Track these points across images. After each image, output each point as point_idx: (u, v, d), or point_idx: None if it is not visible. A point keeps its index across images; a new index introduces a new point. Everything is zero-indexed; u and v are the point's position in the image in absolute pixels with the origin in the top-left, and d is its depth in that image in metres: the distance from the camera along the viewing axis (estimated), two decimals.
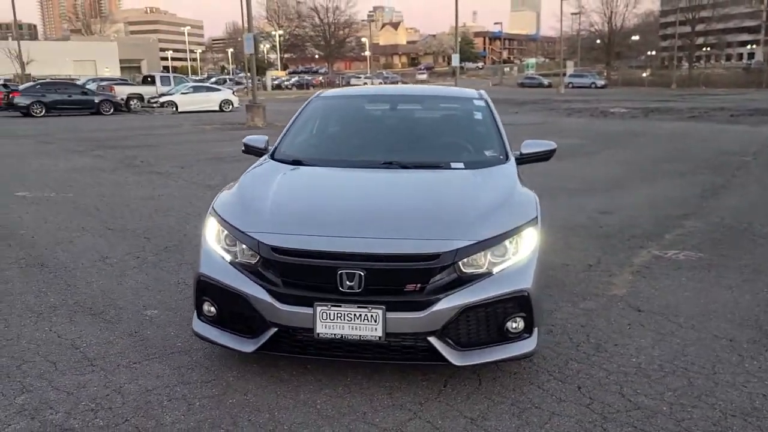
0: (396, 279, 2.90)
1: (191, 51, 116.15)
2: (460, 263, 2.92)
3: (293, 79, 70.84)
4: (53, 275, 4.93)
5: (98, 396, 3.05)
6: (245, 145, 4.47)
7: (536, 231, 3.20)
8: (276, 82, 68.56)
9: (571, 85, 57.75)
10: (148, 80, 34.12)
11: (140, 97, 30.52)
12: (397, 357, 2.98)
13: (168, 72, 59.06)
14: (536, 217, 3.28)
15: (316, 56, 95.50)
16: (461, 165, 3.85)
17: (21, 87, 26.77)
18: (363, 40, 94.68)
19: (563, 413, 2.90)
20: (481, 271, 2.96)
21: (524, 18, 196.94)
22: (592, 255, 5.44)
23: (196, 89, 30.83)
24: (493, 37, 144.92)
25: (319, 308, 2.86)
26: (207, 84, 37.14)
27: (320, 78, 73.07)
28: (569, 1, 79.91)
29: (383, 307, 2.83)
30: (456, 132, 4.47)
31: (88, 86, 30.33)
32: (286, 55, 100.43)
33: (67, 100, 26.05)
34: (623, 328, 3.88)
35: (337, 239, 2.98)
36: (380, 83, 66.67)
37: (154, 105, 29.75)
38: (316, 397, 3.04)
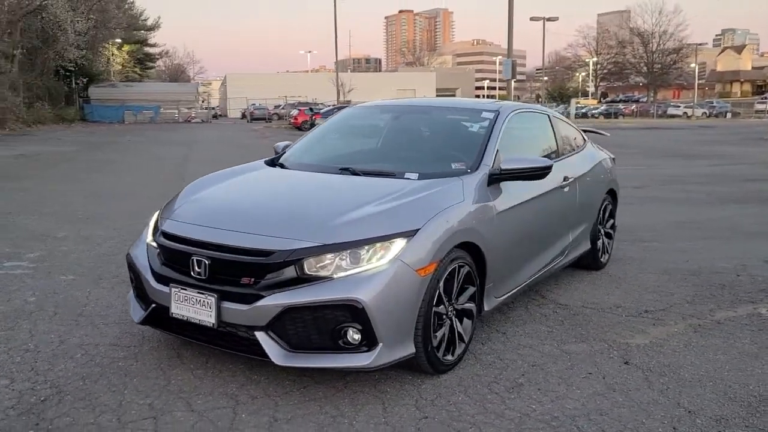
0: (234, 270, 3.00)
1: (518, 80, 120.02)
2: (304, 264, 2.88)
3: (601, 108, 68.42)
4: None
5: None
6: (274, 149, 4.83)
7: (409, 243, 2.97)
8: (583, 111, 67.11)
9: None
10: None
11: None
12: (233, 346, 3.07)
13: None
14: (416, 230, 3.02)
15: (641, 84, 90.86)
16: (415, 175, 3.69)
17: (323, 110, 31.07)
18: (692, 65, 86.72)
19: None
20: (322, 274, 2.89)
21: None
22: None
23: None
24: None
25: (173, 290, 3.10)
26: None
27: (633, 107, 69.11)
28: None
29: (216, 295, 2.94)
30: (438, 143, 4.33)
31: None
32: (602, 83, 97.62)
33: None
34: None
35: (199, 228, 3.20)
36: (703, 113, 60.57)
37: None
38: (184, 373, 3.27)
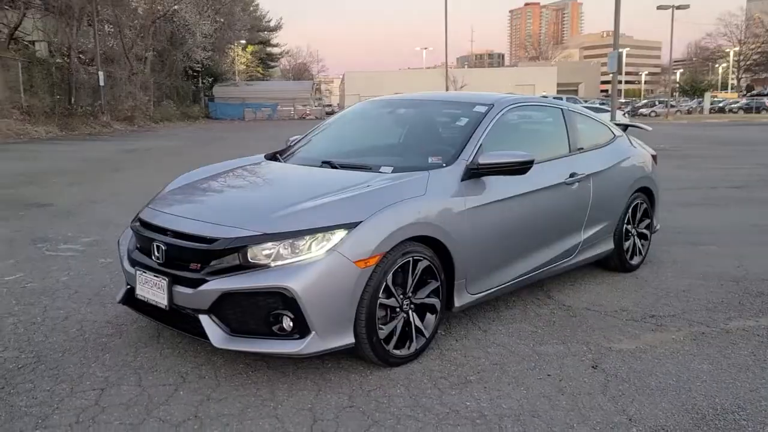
0: (184, 256, 3.22)
1: (651, 73, 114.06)
2: (247, 251, 3.05)
3: (741, 102, 63.45)
4: None
5: None
6: (286, 142, 5.06)
7: (349, 234, 3.07)
8: (720, 105, 62.69)
9: None
10: None
11: None
12: (184, 327, 3.27)
13: (606, 95, 59.59)
14: (358, 222, 3.11)
15: None
16: (390, 169, 3.77)
17: None
18: None
19: None
20: (262, 262, 3.04)
21: None
22: None
23: None
24: None
25: (137, 272, 3.40)
26: (596, 105, 36.65)
27: None
28: None
29: (168, 279, 3.19)
30: (425, 137, 4.36)
31: None
32: (745, 75, 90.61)
33: None
34: None
35: (164, 215, 3.49)
36: None
37: None
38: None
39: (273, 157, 4.53)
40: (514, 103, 4.40)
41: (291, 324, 3.00)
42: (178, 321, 3.25)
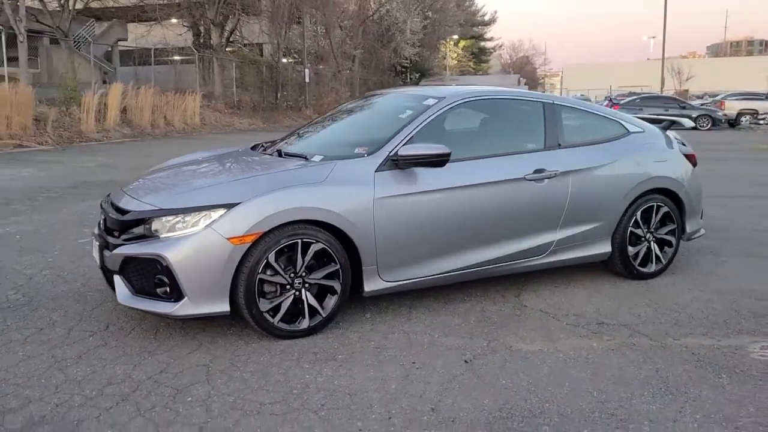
0: (112, 225, 3.85)
1: None
2: (152, 223, 3.64)
3: None
4: None
5: None
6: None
7: (227, 213, 3.50)
8: None
9: None
10: None
11: (755, 113, 28.72)
12: (111, 286, 3.87)
13: None
14: (238, 203, 3.52)
15: None
16: (320, 158, 4.11)
17: (623, 101, 29.34)
18: None
19: None
20: (159, 233, 3.59)
21: None
22: None
23: None
24: None
25: (93, 239, 4.14)
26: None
27: None
28: None
29: (98, 243, 3.89)
30: (371, 128, 4.53)
31: (731, 100, 30.18)
32: None
33: (663, 114, 27.13)
34: None
35: (120, 192, 4.15)
36: None
37: (761, 122, 27.55)
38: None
39: (256, 147, 5.03)
40: (472, 96, 4.43)
41: (168, 289, 3.50)
42: (109, 280, 3.92)
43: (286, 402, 2.96)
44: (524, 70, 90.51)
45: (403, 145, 3.99)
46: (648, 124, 5.22)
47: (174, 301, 3.49)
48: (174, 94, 21.34)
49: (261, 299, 3.59)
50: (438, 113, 4.23)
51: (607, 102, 31.00)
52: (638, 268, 4.84)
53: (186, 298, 3.46)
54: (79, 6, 20.87)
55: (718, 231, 6.59)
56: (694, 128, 26.53)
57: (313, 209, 3.66)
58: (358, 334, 3.81)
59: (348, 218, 3.73)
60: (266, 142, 5.12)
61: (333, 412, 2.88)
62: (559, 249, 4.54)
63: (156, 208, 3.62)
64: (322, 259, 3.73)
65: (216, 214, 3.51)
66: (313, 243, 3.66)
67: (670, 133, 5.34)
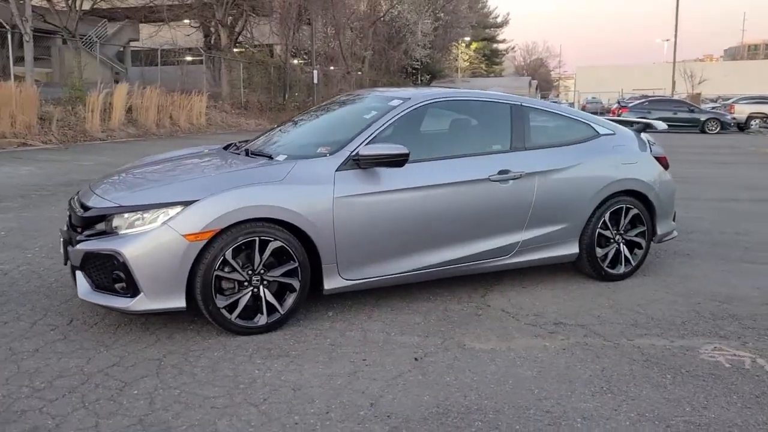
0: (75, 222, 3.94)
1: None
2: (112, 220, 3.73)
3: None
4: None
5: None
6: None
7: (183, 211, 3.57)
8: None
9: None
10: None
11: (765, 117, 28.50)
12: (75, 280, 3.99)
13: None
14: (194, 201, 3.60)
15: None
16: (284, 157, 4.18)
17: (631, 104, 29.21)
18: None
19: None
20: (118, 229, 3.67)
21: None
22: None
23: None
24: None
25: (60, 236, 4.24)
26: None
27: None
28: None
29: (63, 239, 3.98)
30: (336, 129, 4.56)
31: (741, 104, 29.95)
32: None
33: (672, 118, 26.96)
34: None
35: (87, 190, 4.23)
36: None
37: None
38: None
39: (227, 147, 5.09)
40: (438, 98, 4.49)
41: (124, 284, 3.58)
42: (74, 276, 4.01)
43: (229, 396, 3.03)
44: (538, 72, 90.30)
45: (366, 145, 4.05)
46: (620, 126, 5.24)
47: (130, 297, 3.57)
48: (180, 94, 21.52)
49: (218, 295, 3.66)
50: (402, 114, 4.28)
51: (616, 105, 30.90)
52: (606, 269, 4.87)
53: (142, 293, 3.54)
54: (86, 6, 21.06)
55: (699, 234, 6.61)
56: (703, 132, 26.39)
57: (271, 207, 3.72)
58: (317, 331, 3.87)
59: (307, 217, 3.80)
60: (240, 141, 5.19)
61: (274, 406, 2.95)
62: (524, 250, 4.58)
63: (116, 205, 3.71)
64: (281, 256, 3.80)
65: (173, 211, 3.58)
66: (271, 241, 3.73)
67: (644, 136, 5.36)
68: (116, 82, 23.41)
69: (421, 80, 53.58)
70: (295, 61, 37.16)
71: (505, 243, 4.49)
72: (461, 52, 63.66)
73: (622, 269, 4.93)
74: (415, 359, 3.48)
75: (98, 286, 3.72)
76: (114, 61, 33.80)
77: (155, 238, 3.53)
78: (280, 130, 5.22)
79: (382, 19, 42.58)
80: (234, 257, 3.67)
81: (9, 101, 15.21)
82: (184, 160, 4.62)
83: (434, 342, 3.72)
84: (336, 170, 3.95)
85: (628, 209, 4.89)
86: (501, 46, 75.60)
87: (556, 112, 4.96)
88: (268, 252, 3.74)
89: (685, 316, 4.19)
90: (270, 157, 4.22)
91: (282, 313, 3.84)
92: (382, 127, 4.17)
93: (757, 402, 3.03)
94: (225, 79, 27.32)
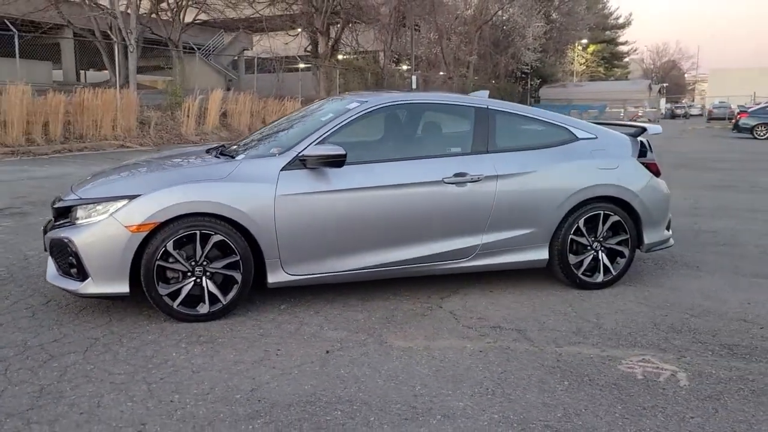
0: (56, 213, 4.41)
1: None
2: (76, 212, 4.14)
3: None
4: None
5: None
6: None
7: (128, 204, 3.94)
8: None
9: None
10: None
11: None
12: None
13: None
14: (138, 195, 3.96)
15: None
16: (243, 156, 4.48)
17: (751, 109, 27.23)
18: None
19: None
20: (78, 221, 4.09)
21: None
22: None
23: None
24: None
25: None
26: None
27: None
28: None
29: (43, 228, 4.47)
30: (298, 131, 4.72)
31: None
32: None
33: None
34: None
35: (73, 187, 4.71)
36: None
37: None
38: None
39: (211, 150, 5.37)
40: (396, 101, 4.59)
41: (76, 269, 3.99)
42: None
43: (132, 374, 3.32)
44: (670, 75, 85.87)
45: (314, 146, 4.24)
46: (607, 130, 5.08)
47: (80, 281, 3.97)
48: (273, 100, 22.58)
49: (161, 283, 3.99)
50: (356, 116, 4.43)
51: (738, 110, 29.02)
52: (582, 277, 4.76)
53: (90, 278, 3.93)
54: (188, 18, 22.61)
55: (729, 246, 6.24)
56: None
57: (210, 203, 4.00)
58: (256, 321, 4.10)
59: (247, 213, 4.04)
60: (225, 143, 5.55)
61: (164, 385, 3.21)
62: (486, 253, 4.58)
63: (78, 198, 4.13)
64: (224, 250, 4.07)
65: (120, 204, 3.95)
66: (212, 234, 4.00)
67: (643, 140, 5.16)
68: (228, 89, 24.95)
69: (530, 85, 52.64)
70: (404, 67, 37.73)
71: (463, 245, 4.52)
72: (577, 55, 61.83)
73: (600, 278, 4.80)
74: (327, 352, 3.63)
75: (63, 271, 4.15)
76: (228, 69, 35.91)
77: (102, 229, 3.91)
78: (259, 132, 5.50)
79: (489, 22, 42.31)
80: (176, 249, 3.98)
81: (111, 107, 16.68)
82: (161, 159, 5.01)
83: (358, 338, 3.85)
84: (281, 169, 4.17)
85: (606, 216, 4.75)
86: (623, 48, 72.71)
87: (529, 116, 4.90)
88: (209, 245, 4.02)
89: (636, 327, 4.05)
90: (232, 158, 4.51)
91: (224, 303, 4.10)
92: (334, 129, 4.34)
93: (638, 413, 2.94)
94: (322, 84, 28.28)
